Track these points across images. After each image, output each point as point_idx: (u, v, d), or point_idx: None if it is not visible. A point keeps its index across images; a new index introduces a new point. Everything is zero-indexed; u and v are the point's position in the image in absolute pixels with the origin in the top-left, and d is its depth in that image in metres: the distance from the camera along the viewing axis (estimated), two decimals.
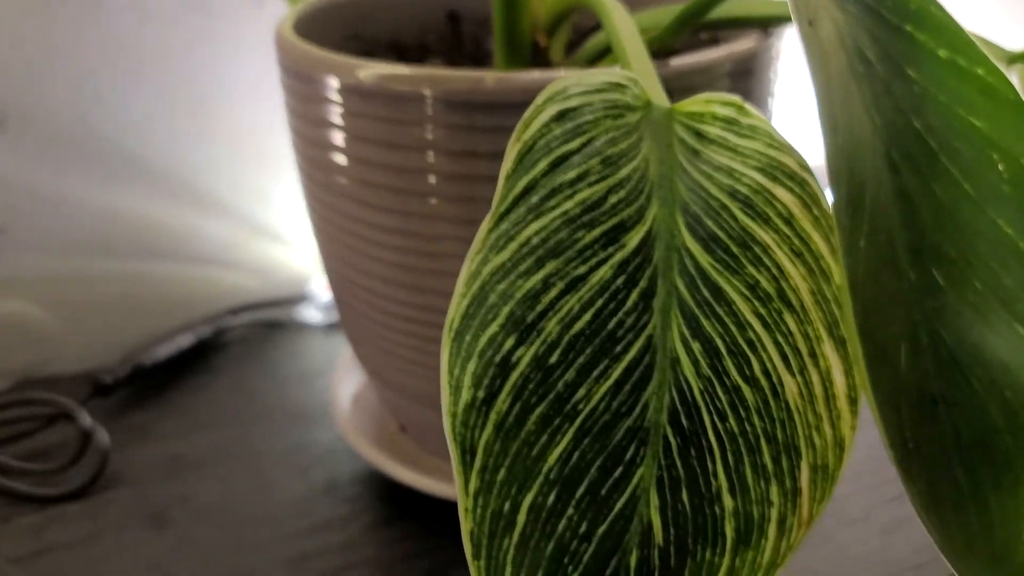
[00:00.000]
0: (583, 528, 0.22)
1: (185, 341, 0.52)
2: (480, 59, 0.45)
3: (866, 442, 0.46)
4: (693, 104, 0.26)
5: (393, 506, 0.43)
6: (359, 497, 0.43)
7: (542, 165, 0.23)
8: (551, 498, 0.22)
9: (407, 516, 0.42)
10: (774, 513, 0.23)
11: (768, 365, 0.23)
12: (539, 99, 0.24)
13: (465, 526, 0.21)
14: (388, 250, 0.36)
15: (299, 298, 0.57)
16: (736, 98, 0.26)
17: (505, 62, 0.38)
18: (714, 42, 0.39)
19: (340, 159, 0.36)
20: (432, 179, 0.34)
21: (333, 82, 0.35)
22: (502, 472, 0.21)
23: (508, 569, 0.21)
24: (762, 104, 0.36)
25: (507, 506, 0.21)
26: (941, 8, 0.28)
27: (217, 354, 0.54)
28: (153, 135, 0.52)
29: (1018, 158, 0.27)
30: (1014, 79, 0.34)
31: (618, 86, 0.25)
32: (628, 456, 0.22)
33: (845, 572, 0.39)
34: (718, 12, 0.35)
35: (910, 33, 0.28)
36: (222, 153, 0.54)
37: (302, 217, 0.56)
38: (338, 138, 0.35)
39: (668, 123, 0.26)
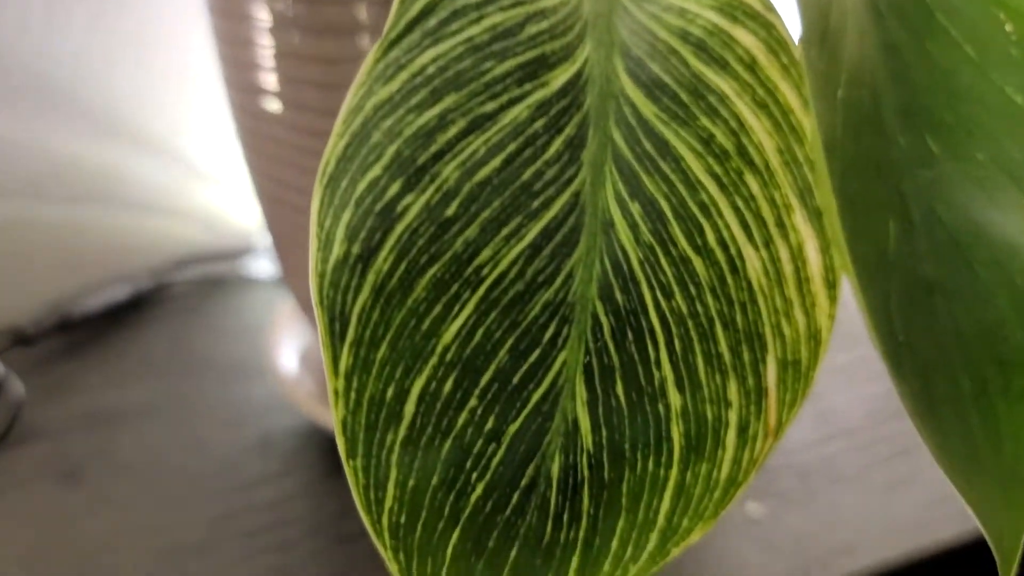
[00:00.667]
0: (490, 424, 0.18)
1: (120, 293, 0.48)
2: None
3: (866, 394, 0.42)
4: None
5: (329, 463, 0.38)
6: (294, 453, 0.39)
7: None
8: (448, 385, 0.17)
9: (343, 472, 0.38)
10: (733, 416, 0.19)
11: (725, 234, 0.19)
12: None
13: (336, 414, 0.17)
14: (318, 157, 0.32)
15: (245, 250, 0.53)
16: None
17: None
18: None
19: (266, 57, 0.32)
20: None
21: None
22: (383, 348, 0.17)
23: (393, 472, 0.17)
24: None
25: (390, 392, 0.17)
26: None
27: (155, 308, 0.50)
28: (87, 68, 0.48)
29: None
30: None
31: None
32: (547, 336, 0.18)
33: (837, 534, 0.34)
34: None
35: None
36: (164, 90, 0.50)
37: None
38: (263, 32, 0.31)
39: None
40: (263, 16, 0.31)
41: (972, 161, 0.22)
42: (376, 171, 0.17)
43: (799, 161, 0.20)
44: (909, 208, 0.21)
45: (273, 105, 0.33)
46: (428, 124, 0.18)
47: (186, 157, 0.51)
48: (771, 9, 0.21)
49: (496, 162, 0.18)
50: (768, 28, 0.21)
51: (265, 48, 0.32)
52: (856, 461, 0.38)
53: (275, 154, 0.34)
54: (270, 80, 0.32)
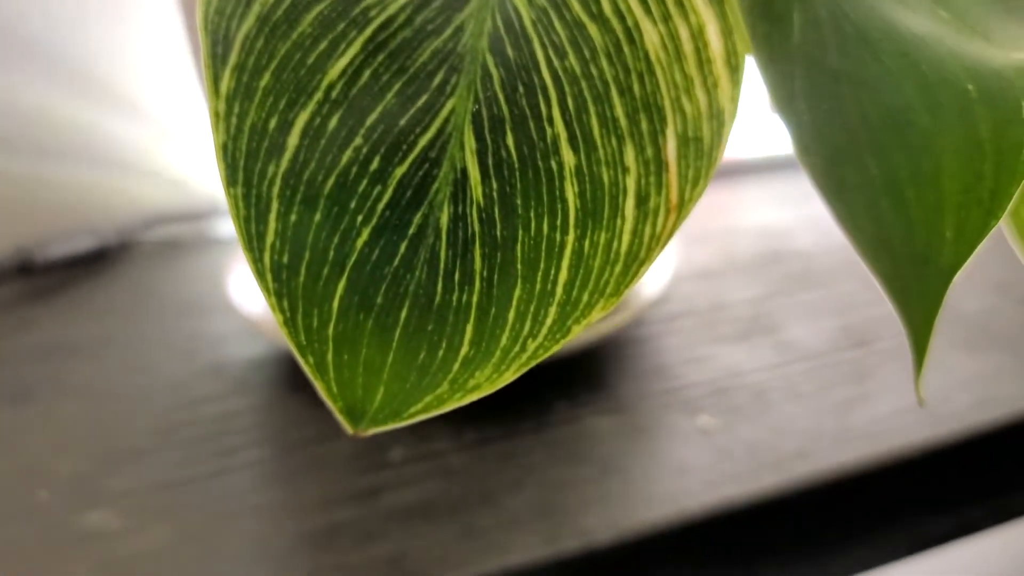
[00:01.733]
0: (375, 165, 0.17)
1: (85, 243, 0.48)
2: None
3: (825, 326, 0.42)
4: None
5: (283, 383, 0.38)
6: (247, 376, 0.39)
7: None
8: (333, 121, 0.17)
9: (296, 392, 0.37)
10: (631, 183, 0.19)
11: (621, 5, 0.19)
12: None
13: (216, 138, 0.17)
14: None
15: (212, 211, 0.53)
16: None
17: None
18: None
19: None
20: None
21: None
22: (266, 77, 0.17)
23: (275, 204, 0.17)
24: None
25: (273, 122, 0.17)
26: None
27: (120, 262, 0.50)
28: (61, 21, 0.48)
29: None
30: None
31: None
32: (435, 83, 0.18)
33: (790, 442, 0.34)
34: None
35: None
36: (138, 47, 0.50)
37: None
38: None
39: None
40: None
41: None
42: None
43: None
44: (815, 3, 0.21)
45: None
46: None
47: (156, 118, 0.52)
48: None
49: None
50: None
51: None
52: (811, 382, 0.37)
53: None
54: None
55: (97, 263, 0.49)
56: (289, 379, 0.38)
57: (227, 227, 0.53)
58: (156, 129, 0.52)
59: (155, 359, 0.40)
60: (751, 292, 0.44)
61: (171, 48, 0.51)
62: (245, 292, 0.41)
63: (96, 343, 0.42)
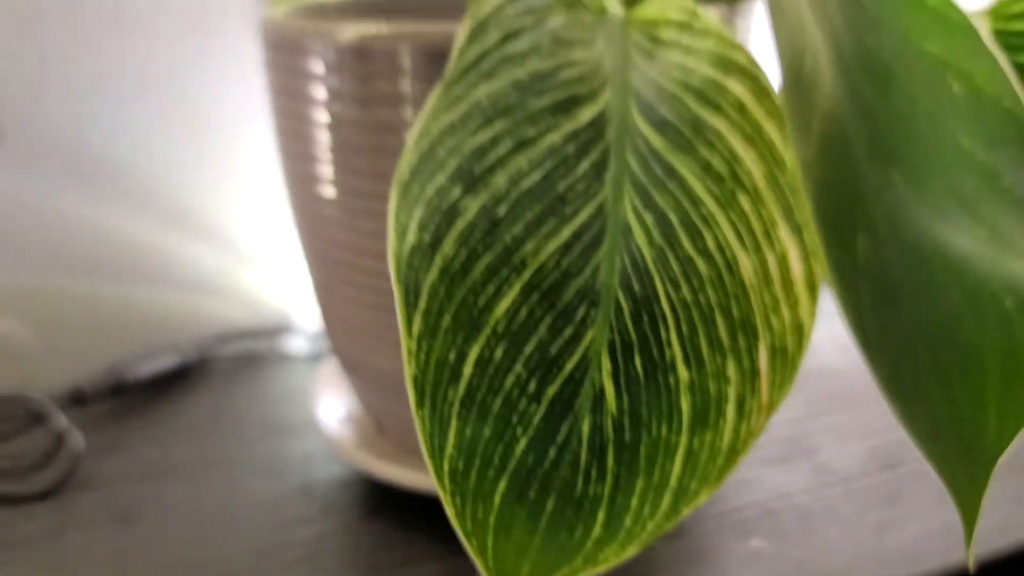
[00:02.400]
0: (532, 387, 0.21)
1: (169, 361, 0.52)
2: None
3: (859, 450, 0.46)
4: (648, 10, 0.27)
5: (368, 504, 0.42)
6: (334, 497, 0.42)
7: (494, 37, 0.23)
8: (498, 352, 0.21)
9: (382, 512, 0.41)
10: (732, 392, 0.23)
11: (722, 241, 0.23)
12: None
13: (408, 370, 0.21)
14: (363, 216, 0.36)
15: (285, 328, 0.57)
16: (689, 2, 0.26)
17: None
18: None
19: (320, 123, 0.36)
20: (407, 131, 0.34)
21: (314, 45, 0.35)
22: (447, 318, 0.21)
23: (454, 422, 0.21)
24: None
25: (452, 355, 0.21)
26: None
27: (200, 378, 0.53)
28: (146, 155, 0.53)
29: (972, 77, 0.27)
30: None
31: None
32: (579, 316, 0.22)
33: (834, 561, 0.37)
34: None
35: None
36: (215, 177, 0.55)
37: (291, 247, 0.56)
38: (319, 101, 0.36)
39: (624, 29, 0.26)
40: (321, 117, 0.36)
41: (929, 190, 0.26)
42: (441, 179, 0.22)
43: (782, 186, 0.24)
44: (876, 225, 0.25)
45: (328, 191, 0.37)
46: (483, 143, 0.22)
47: (232, 241, 0.56)
48: (756, 65, 0.26)
49: (536, 175, 0.22)
50: (754, 79, 0.25)
51: (322, 143, 0.36)
52: (849, 504, 0.41)
53: (329, 234, 0.38)
54: (326, 171, 0.37)
55: (180, 380, 0.53)
56: (373, 501, 0.42)
57: (296, 343, 0.56)
58: (232, 251, 0.56)
59: (246, 480, 0.44)
60: (789, 414, 0.48)
61: (244, 175, 0.55)
62: (329, 416, 0.45)
63: (189, 463, 0.45)
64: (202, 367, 0.54)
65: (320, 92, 0.36)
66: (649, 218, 0.23)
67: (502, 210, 0.22)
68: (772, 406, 0.23)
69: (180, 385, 0.53)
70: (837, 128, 0.25)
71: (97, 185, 0.52)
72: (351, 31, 0.34)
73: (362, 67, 0.34)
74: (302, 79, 0.37)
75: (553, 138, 0.23)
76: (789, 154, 0.25)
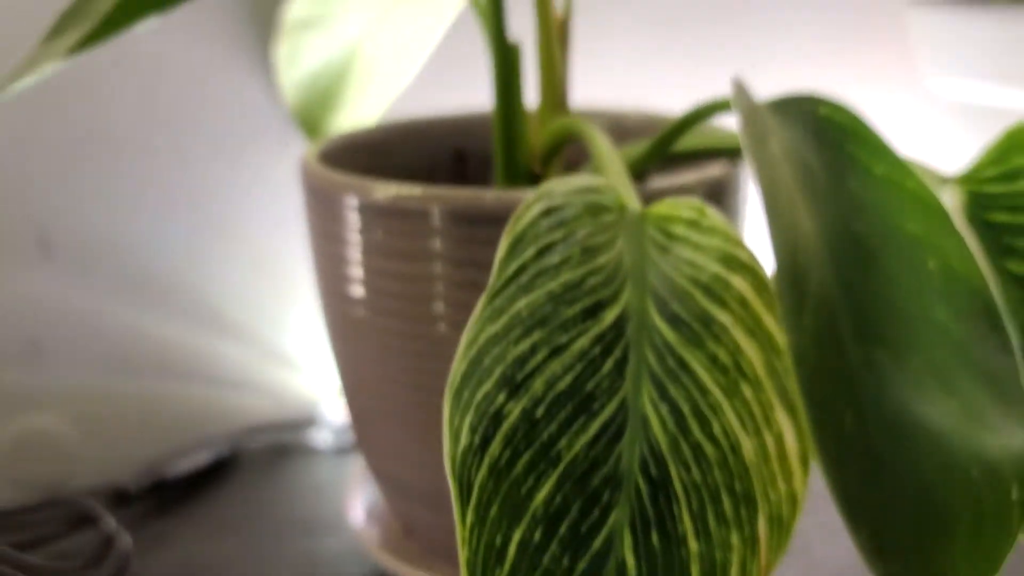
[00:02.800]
0: (565, 563, 0.25)
1: (204, 457, 0.56)
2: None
3: (847, 546, 0.49)
4: (662, 207, 0.30)
5: None
6: None
7: (530, 252, 0.27)
8: (537, 534, 0.25)
9: None
10: (735, 558, 0.26)
11: (727, 426, 0.27)
12: (529, 198, 0.28)
13: (463, 555, 0.24)
14: (397, 353, 0.40)
15: (310, 421, 0.60)
16: (698, 202, 0.30)
17: (505, 187, 0.43)
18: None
19: (356, 270, 0.40)
20: (438, 286, 0.38)
21: (352, 200, 0.39)
22: (494, 509, 0.25)
23: None
24: (733, 222, 0.41)
25: (499, 539, 0.25)
26: (873, 130, 0.33)
27: (233, 471, 0.57)
28: (182, 262, 0.57)
29: (947, 257, 0.31)
30: (947, 198, 0.38)
31: (596, 190, 0.29)
32: (604, 500, 0.26)
33: None
34: (688, 144, 0.40)
35: (851, 152, 0.33)
36: (245, 281, 0.58)
37: (316, 343, 0.60)
38: (355, 250, 0.40)
39: (641, 225, 0.30)
40: (355, 258, 0.40)
41: (909, 367, 0.30)
42: (488, 386, 0.25)
43: (778, 371, 0.28)
44: (861, 403, 0.29)
45: (360, 311, 0.41)
46: (523, 352, 0.26)
47: (262, 338, 0.59)
48: (756, 260, 0.29)
49: (568, 378, 0.26)
50: (754, 275, 0.29)
51: (355, 266, 0.40)
52: None
53: (361, 350, 0.42)
54: (359, 290, 0.41)
55: (215, 474, 0.56)
56: None
57: (322, 435, 0.60)
58: (260, 348, 0.60)
59: None
60: None
61: (271, 279, 0.59)
62: (356, 515, 0.48)
63: (227, 561, 0.49)
64: (234, 460, 0.58)
65: (354, 239, 0.40)
66: (664, 409, 0.27)
67: (540, 411, 0.25)
68: (770, 566, 0.27)
69: (215, 479, 0.56)
70: (827, 313, 0.29)
71: (137, 292, 0.56)
72: (385, 191, 0.38)
73: (394, 224, 0.38)
74: (338, 226, 0.40)
75: (582, 342, 0.26)
76: (784, 340, 0.28)
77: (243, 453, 0.59)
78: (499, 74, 0.40)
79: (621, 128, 0.52)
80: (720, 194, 0.39)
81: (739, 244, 0.29)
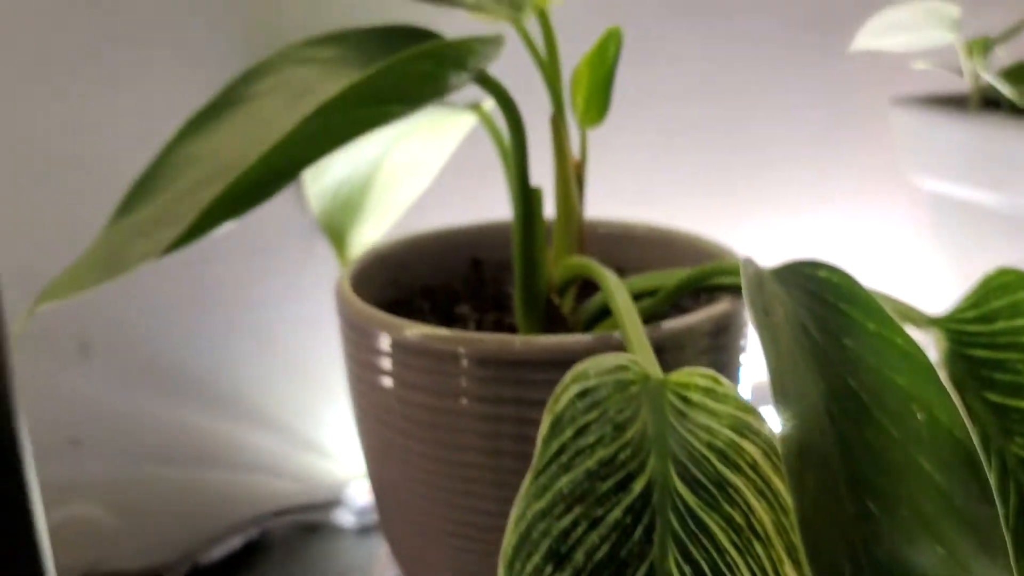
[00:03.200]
0: None
1: (235, 543, 0.59)
2: (500, 301, 0.54)
3: None
4: (680, 376, 0.34)
5: None
6: None
7: (569, 432, 0.31)
8: None
9: None
10: None
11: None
12: (566, 378, 0.32)
13: None
14: (426, 472, 0.43)
15: (336, 503, 0.64)
16: (712, 372, 0.34)
17: (524, 315, 0.46)
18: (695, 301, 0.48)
19: (390, 397, 0.44)
20: (465, 419, 0.41)
21: (385, 337, 0.43)
22: None
23: None
24: (736, 354, 0.45)
25: None
26: (866, 290, 0.37)
27: (262, 552, 0.60)
28: (216, 359, 0.60)
29: (932, 408, 0.35)
30: (932, 340, 0.42)
31: (623, 367, 0.33)
32: None
33: None
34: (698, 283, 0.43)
35: (845, 310, 0.37)
36: (274, 375, 0.62)
37: (338, 431, 0.64)
38: (388, 380, 0.43)
39: (661, 391, 0.34)
40: (388, 385, 0.43)
41: (899, 517, 0.33)
42: (536, 559, 0.29)
43: (787, 528, 0.32)
44: (858, 554, 0.33)
45: (391, 432, 0.44)
46: (566, 527, 0.29)
47: (289, 427, 0.63)
48: (765, 425, 0.33)
49: (606, 547, 0.30)
50: (764, 439, 0.33)
51: (388, 394, 0.44)
52: None
53: (391, 462, 0.46)
54: (390, 415, 0.44)
55: (246, 556, 0.60)
56: None
57: (346, 516, 0.64)
58: (284, 435, 0.63)
59: None
60: None
61: (296, 371, 0.63)
62: None
63: None
64: (263, 543, 0.61)
65: (387, 370, 0.43)
66: (688, 569, 0.30)
67: None
68: None
69: (245, 563, 0.59)
70: (825, 469, 0.33)
71: (170, 384, 0.59)
72: (416, 331, 0.42)
73: (424, 362, 0.42)
74: (371, 356, 0.44)
75: (616, 513, 0.30)
76: (789, 499, 0.32)
77: (273, 535, 0.62)
78: (521, 214, 0.44)
79: (630, 238, 0.56)
80: (725, 329, 0.43)
81: (749, 410, 0.33)
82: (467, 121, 0.58)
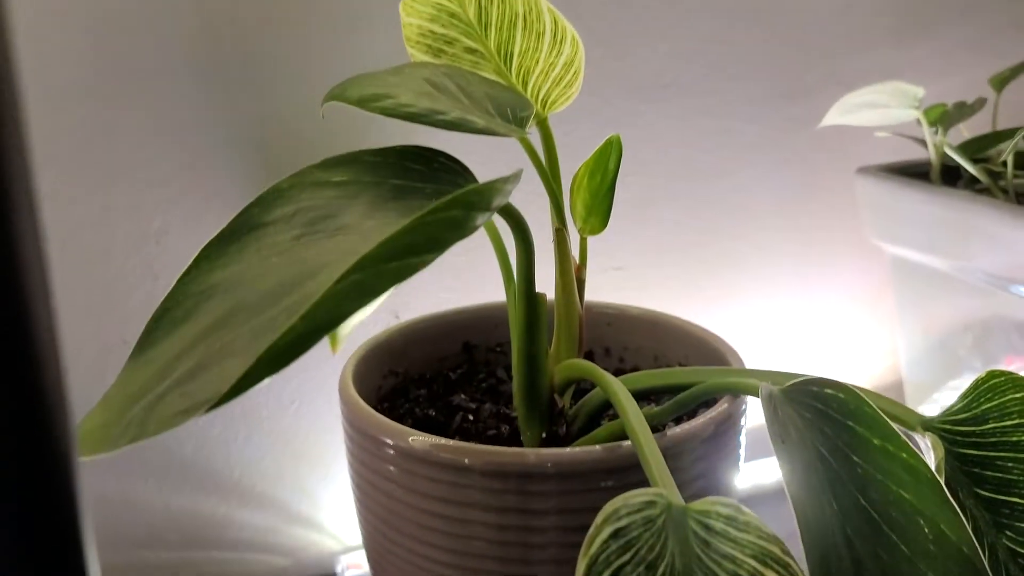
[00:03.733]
0: None
1: None
2: (494, 387, 0.54)
3: None
4: (702, 504, 0.35)
5: None
6: None
7: None
8: None
9: None
10: None
11: None
12: (599, 519, 0.33)
13: None
14: (430, 574, 0.44)
15: (331, 574, 0.64)
16: (733, 501, 0.35)
17: (527, 414, 0.47)
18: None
19: (396, 501, 0.44)
20: (473, 526, 0.42)
21: (389, 444, 0.43)
22: None
23: None
24: (734, 451, 0.46)
25: None
26: (871, 406, 0.38)
27: None
28: (210, 442, 0.60)
29: (939, 523, 0.36)
30: (927, 443, 0.44)
31: (651, 503, 0.34)
32: None
33: None
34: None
35: (852, 427, 0.38)
36: (267, 453, 0.62)
37: (331, 505, 0.64)
38: (393, 485, 0.44)
39: (684, 519, 0.35)
40: (395, 493, 0.44)
41: None
42: None
43: None
44: None
45: (402, 539, 0.45)
46: None
47: (281, 503, 0.63)
48: (787, 553, 0.34)
49: None
50: (786, 567, 0.34)
51: (397, 502, 0.44)
52: None
53: (399, 567, 0.46)
54: (400, 522, 0.45)
55: None
56: None
57: None
58: (276, 511, 0.63)
59: None
60: None
61: (286, 445, 0.63)
62: None
63: None
64: None
65: (392, 474, 0.44)
66: None
67: None
68: None
69: None
70: None
71: (163, 470, 0.59)
72: (422, 441, 0.42)
73: (431, 471, 0.42)
74: (378, 463, 0.44)
75: None
76: None
77: None
78: (524, 321, 0.45)
79: (624, 318, 0.57)
80: (726, 430, 0.45)
81: (771, 539, 0.34)
82: None
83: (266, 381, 0.31)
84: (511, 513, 0.42)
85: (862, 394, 0.39)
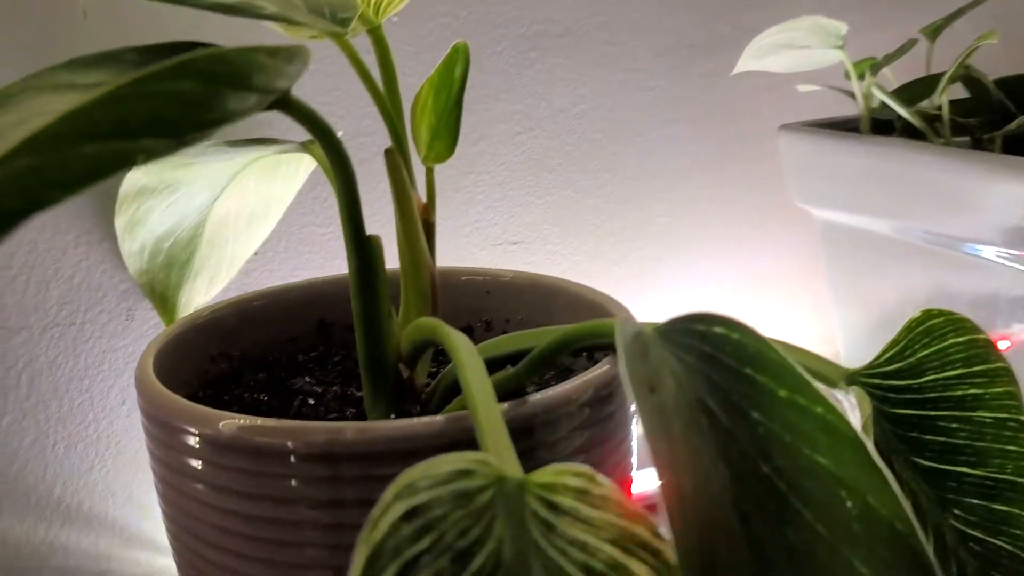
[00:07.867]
0: None
1: None
2: (351, 369, 0.45)
3: None
4: (545, 475, 0.26)
5: None
6: None
7: (390, 572, 0.23)
8: None
9: None
10: None
11: None
12: (387, 494, 0.24)
13: None
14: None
15: None
16: (586, 468, 0.26)
17: (371, 391, 0.38)
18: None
19: (203, 508, 0.35)
20: (300, 530, 0.33)
21: (193, 432, 0.34)
22: None
23: None
24: (625, 426, 0.37)
25: None
26: (777, 351, 0.29)
27: None
28: (20, 454, 0.50)
29: (864, 495, 0.28)
30: (851, 400, 0.36)
31: (467, 473, 0.25)
32: None
33: None
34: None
35: (750, 375, 0.30)
36: (95, 464, 0.52)
37: None
38: (200, 488, 0.35)
39: (521, 495, 0.26)
40: (201, 477, 0.35)
41: None
42: None
43: None
44: None
45: (214, 554, 0.36)
46: None
47: (116, 521, 0.53)
48: (657, 535, 0.26)
49: None
50: (656, 554, 0.25)
51: (207, 508, 0.35)
52: None
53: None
54: (212, 533, 0.35)
55: None
56: None
57: None
58: (111, 532, 0.54)
59: None
60: None
61: (118, 455, 0.53)
62: None
63: None
64: None
65: (201, 477, 0.35)
66: None
67: None
68: None
69: None
70: None
71: None
72: (229, 423, 0.33)
73: (241, 462, 0.33)
74: (180, 457, 0.35)
75: None
76: None
77: None
78: (357, 269, 0.36)
79: (506, 285, 0.48)
80: (610, 396, 0.36)
81: (635, 517, 0.26)
82: (307, 161, 0.50)
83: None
84: (343, 508, 0.33)
85: (765, 337, 0.30)
